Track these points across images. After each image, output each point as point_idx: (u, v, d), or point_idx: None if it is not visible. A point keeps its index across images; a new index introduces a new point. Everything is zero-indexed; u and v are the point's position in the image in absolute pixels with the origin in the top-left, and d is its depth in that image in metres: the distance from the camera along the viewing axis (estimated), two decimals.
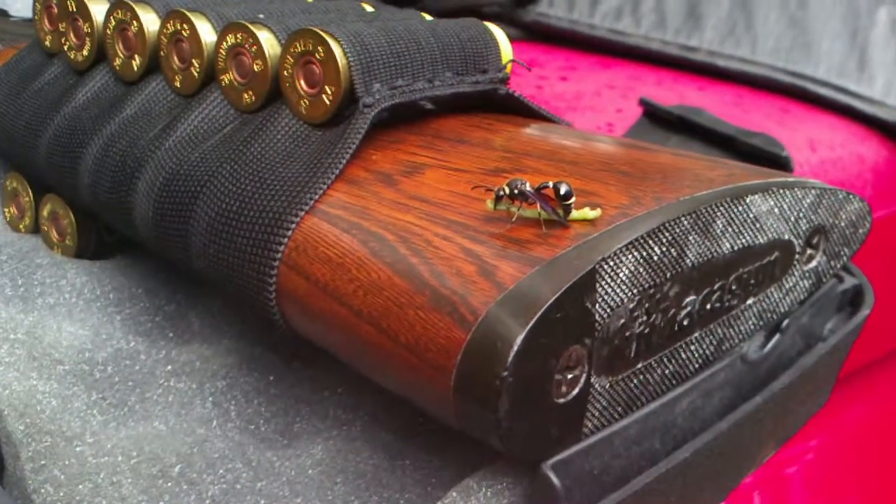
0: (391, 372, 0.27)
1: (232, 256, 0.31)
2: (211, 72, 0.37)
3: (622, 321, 0.27)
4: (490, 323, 0.24)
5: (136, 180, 0.36)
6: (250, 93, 0.36)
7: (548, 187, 0.27)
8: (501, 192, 0.27)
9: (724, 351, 0.32)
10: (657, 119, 0.57)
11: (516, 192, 0.27)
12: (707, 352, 0.31)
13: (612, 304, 0.26)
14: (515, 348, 0.23)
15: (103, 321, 0.39)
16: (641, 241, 0.26)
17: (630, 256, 0.26)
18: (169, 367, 0.37)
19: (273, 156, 0.33)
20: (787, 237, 0.32)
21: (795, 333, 0.36)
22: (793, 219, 0.32)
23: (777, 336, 0.35)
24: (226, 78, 0.36)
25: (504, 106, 0.38)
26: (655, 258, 0.27)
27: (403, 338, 0.26)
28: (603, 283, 0.26)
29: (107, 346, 0.37)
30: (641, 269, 0.27)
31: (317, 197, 0.30)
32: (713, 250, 0.29)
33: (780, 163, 0.50)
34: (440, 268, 0.26)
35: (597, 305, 0.26)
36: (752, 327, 0.33)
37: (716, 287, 0.30)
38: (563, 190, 0.27)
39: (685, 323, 0.29)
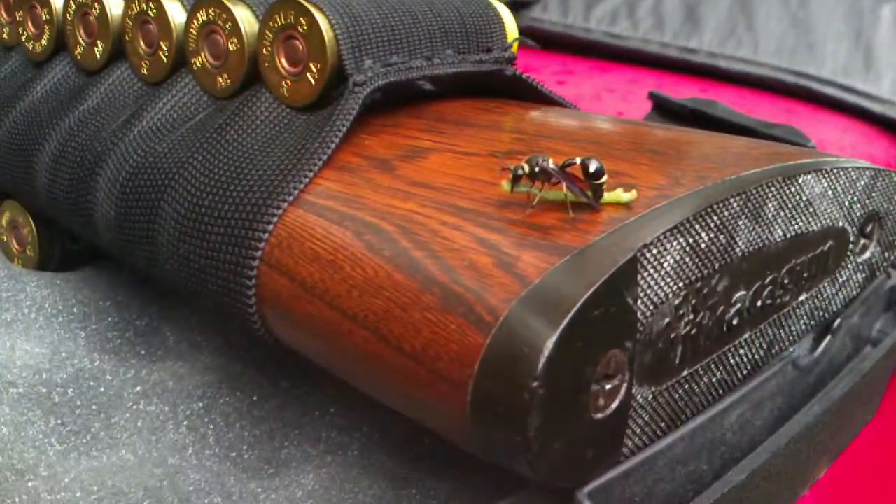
0: (393, 386, 0.23)
1: (204, 257, 0.27)
2: (181, 56, 0.33)
3: (667, 320, 0.23)
4: (513, 324, 0.20)
5: (97, 176, 0.31)
6: (225, 76, 0.32)
7: (574, 164, 0.23)
8: (520, 171, 0.23)
9: (773, 355, 0.28)
10: (668, 113, 0.53)
11: (537, 170, 0.23)
12: (757, 356, 0.27)
13: (655, 299, 0.22)
14: (546, 354, 0.19)
15: (65, 338, 0.35)
16: (687, 225, 0.22)
17: (675, 243, 0.22)
18: (138, 388, 0.33)
19: (251, 144, 0.29)
20: (840, 224, 0.28)
21: (846, 335, 0.32)
22: (847, 203, 0.28)
23: (828, 338, 0.30)
24: (197, 60, 0.32)
25: (511, 90, 0.34)
26: (703, 246, 0.23)
27: (408, 345, 0.22)
28: (645, 274, 0.22)
29: (67, 366, 0.33)
30: (688, 259, 0.23)
31: (302, 186, 0.26)
32: (765, 238, 0.25)
33: None
34: (450, 261, 0.22)
35: (639, 301, 0.22)
36: (803, 328, 0.28)
37: (767, 281, 0.26)
38: (592, 167, 0.23)
39: (734, 322, 0.25)
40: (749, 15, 0.73)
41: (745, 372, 0.27)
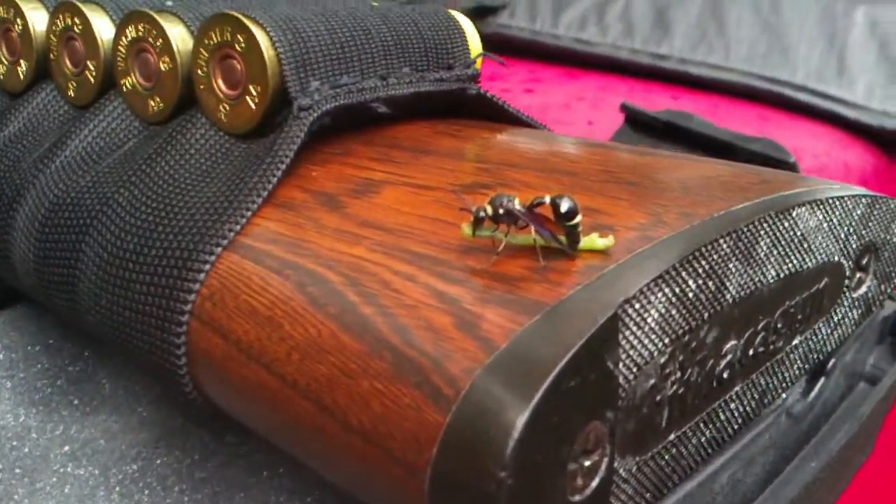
0: (341, 466, 0.20)
1: (129, 309, 0.24)
2: (110, 76, 0.30)
3: (652, 382, 0.20)
4: (477, 399, 0.17)
5: (15, 213, 0.28)
6: (157, 99, 0.28)
7: (543, 203, 0.20)
8: (482, 213, 0.20)
9: (765, 405, 0.25)
10: (641, 126, 0.51)
11: (501, 211, 0.20)
12: (748, 408, 0.24)
13: (639, 360, 0.19)
14: (516, 436, 0.16)
15: None
16: (673, 273, 0.20)
17: (660, 295, 0.19)
18: (66, 448, 0.29)
19: (184, 176, 0.26)
20: (836, 259, 0.26)
21: (840, 374, 0.30)
22: (843, 235, 0.26)
23: (822, 380, 0.28)
24: (127, 81, 0.29)
25: (475, 110, 0.31)
26: (690, 295, 0.20)
27: (355, 419, 0.19)
28: (627, 333, 0.19)
29: None
30: (674, 311, 0.20)
31: (238, 227, 0.23)
32: (757, 280, 0.23)
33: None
34: (403, 319, 0.19)
35: (620, 364, 0.19)
36: (796, 372, 0.26)
37: (760, 327, 0.23)
38: (564, 206, 0.20)
39: (725, 376, 0.23)
40: (720, 20, 0.72)
41: (735, 427, 0.24)
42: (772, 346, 0.24)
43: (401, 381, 0.18)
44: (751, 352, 0.23)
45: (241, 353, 0.21)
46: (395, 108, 0.29)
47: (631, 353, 0.19)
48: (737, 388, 0.23)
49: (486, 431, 0.17)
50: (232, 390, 0.22)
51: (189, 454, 0.29)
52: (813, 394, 0.28)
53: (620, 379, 0.19)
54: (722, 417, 0.23)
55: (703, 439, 0.23)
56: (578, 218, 0.20)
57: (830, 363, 0.28)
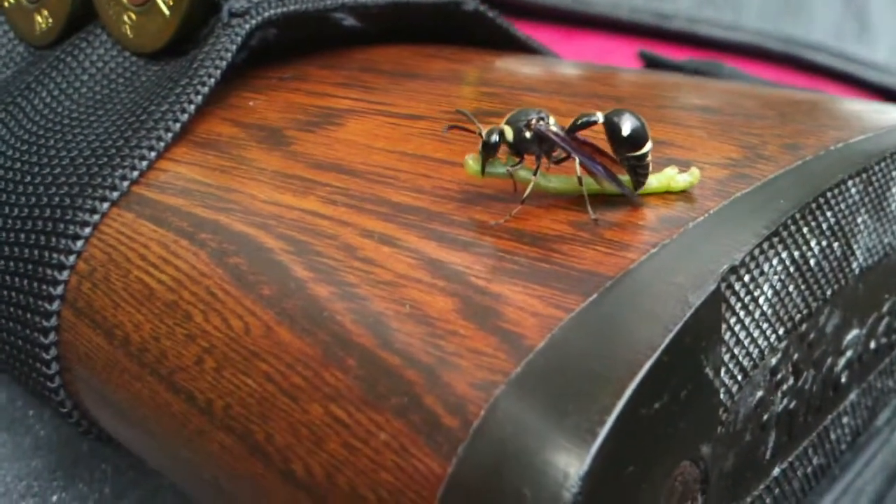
0: None
1: None
2: None
3: (759, 394, 0.13)
4: (500, 436, 0.10)
5: None
6: (45, 13, 0.21)
7: (592, 122, 0.13)
8: (495, 138, 0.13)
9: (875, 415, 0.18)
10: None
11: (528, 134, 0.13)
12: (859, 423, 0.17)
13: (746, 363, 0.12)
14: (571, 500, 0.09)
15: None
16: (793, 229, 0.13)
17: (776, 262, 0.13)
18: None
19: (69, 109, 0.18)
20: None
21: None
22: None
23: None
24: None
25: (472, 33, 0.24)
26: (812, 262, 0.13)
27: (300, 467, 0.12)
28: (733, 321, 0.12)
29: None
30: (792, 287, 0.13)
31: (135, 174, 0.16)
32: (887, 242, 0.16)
33: None
34: (376, 305, 0.12)
35: (723, 371, 0.12)
36: None
37: (885, 309, 0.16)
38: (627, 126, 0.13)
39: (842, 380, 0.16)
40: None
41: (843, 448, 0.17)
42: (894, 336, 0.17)
43: (374, 404, 0.11)
44: (872, 344, 0.17)
45: (129, 359, 0.14)
46: (366, 24, 0.21)
47: (737, 351, 0.12)
48: (852, 397, 0.17)
49: (515, 491, 0.10)
50: (119, 414, 0.15)
51: (96, 487, 0.22)
52: None
53: (722, 393, 0.12)
54: (833, 438, 0.17)
55: (808, 470, 0.16)
56: (649, 145, 0.13)
57: None
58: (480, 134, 0.13)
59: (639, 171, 0.13)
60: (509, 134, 0.13)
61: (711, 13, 0.66)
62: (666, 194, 0.13)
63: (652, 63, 0.41)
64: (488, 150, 0.13)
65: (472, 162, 0.13)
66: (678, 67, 0.41)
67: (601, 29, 0.70)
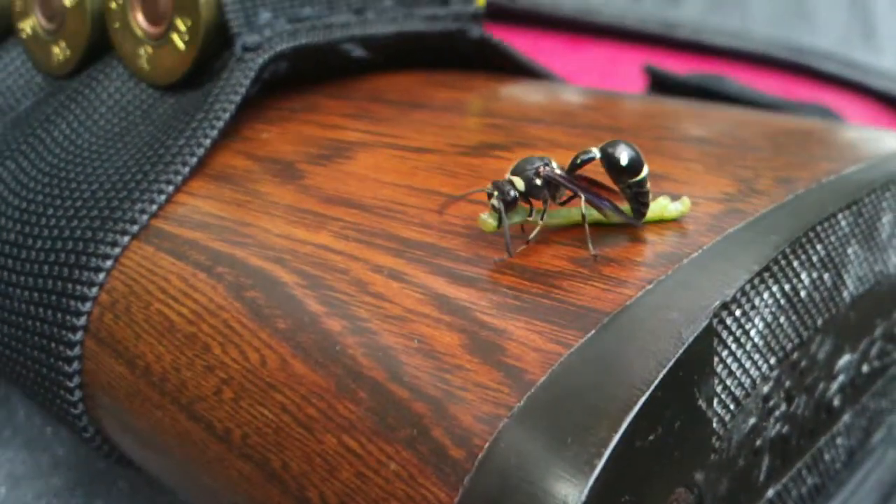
0: None
1: (8, 323, 0.17)
2: (6, 21, 0.23)
3: (752, 421, 0.14)
4: (504, 466, 0.11)
5: None
6: (63, 44, 0.22)
7: (590, 160, 0.14)
8: (511, 192, 0.13)
9: (870, 435, 0.19)
10: (667, 91, 0.44)
11: (538, 182, 0.13)
12: (853, 443, 0.18)
13: (738, 392, 0.13)
14: None
15: None
16: (783, 263, 0.13)
17: (766, 295, 0.13)
18: None
19: (89, 142, 0.19)
20: None
21: None
22: None
23: None
24: (26, 25, 0.22)
25: (477, 60, 0.25)
26: (803, 294, 0.14)
27: (315, 494, 0.12)
28: (725, 353, 0.12)
29: None
30: (783, 318, 0.14)
31: (154, 208, 0.17)
32: (877, 270, 0.16)
33: None
34: (386, 339, 0.13)
35: (715, 402, 0.12)
36: None
37: (877, 334, 0.17)
38: (624, 156, 0.13)
39: (835, 404, 0.16)
40: None
41: (838, 467, 0.18)
42: (886, 360, 0.18)
43: (384, 435, 0.12)
44: (864, 368, 0.17)
45: (151, 388, 0.15)
46: (374, 54, 0.22)
47: (729, 383, 0.13)
48: (845, 419, 0.17)
49: None
50: (140, 440, 0.16)
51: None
52: None
53: (714, 423, 0.13)
54: (827, 458, 0.17)
55: (803, 490, 0.17)
56: (646, 171, 0.13)
57: None
58: (489, 193, 0.13)
59: (640, 197, 0.14)
60: (520, 185, 0.13)
61: (718, 22, 0.66)
62: (663, 229, 0.14)
63: (657, 78, 0.42)
64: (509, 206, 0.13)
65: (487, 219, 0.14)
66: (682, 83, 0.41)
67: (607, 37, 0.70)
